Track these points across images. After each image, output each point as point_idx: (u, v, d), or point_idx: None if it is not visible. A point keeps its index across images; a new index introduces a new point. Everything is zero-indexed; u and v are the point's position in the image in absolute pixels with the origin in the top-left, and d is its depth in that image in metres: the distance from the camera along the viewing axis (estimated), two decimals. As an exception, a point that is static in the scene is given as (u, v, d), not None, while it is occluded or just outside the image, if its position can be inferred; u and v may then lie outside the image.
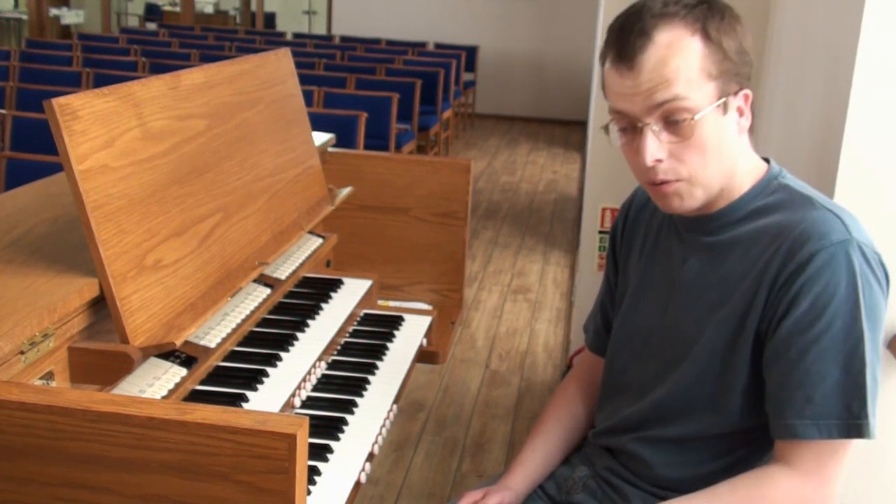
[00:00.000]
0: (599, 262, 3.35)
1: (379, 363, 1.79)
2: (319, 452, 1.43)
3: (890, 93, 1.65)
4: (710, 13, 1.30)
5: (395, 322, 1.99)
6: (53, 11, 11.54)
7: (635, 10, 1.31)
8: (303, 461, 1.00)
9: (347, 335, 1.90)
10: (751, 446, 1.38)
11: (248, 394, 1.47)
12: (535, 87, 10.72)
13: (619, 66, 1.30)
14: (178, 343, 1.32)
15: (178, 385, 1.37)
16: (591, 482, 1.53)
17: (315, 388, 1.66)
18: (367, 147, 5.00)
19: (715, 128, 1.30)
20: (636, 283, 1.53)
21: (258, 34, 10.28)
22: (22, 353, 1.16)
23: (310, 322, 1.77)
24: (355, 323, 1.96)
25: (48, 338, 1.20)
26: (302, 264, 1.86)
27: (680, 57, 1.27)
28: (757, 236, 1.34)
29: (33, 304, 1.21)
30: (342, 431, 1.52)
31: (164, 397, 1.33)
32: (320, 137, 2.21)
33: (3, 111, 4.47)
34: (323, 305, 1.86)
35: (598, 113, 3.30)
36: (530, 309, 4.57)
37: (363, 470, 1.43)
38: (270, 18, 12.45)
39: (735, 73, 1.31)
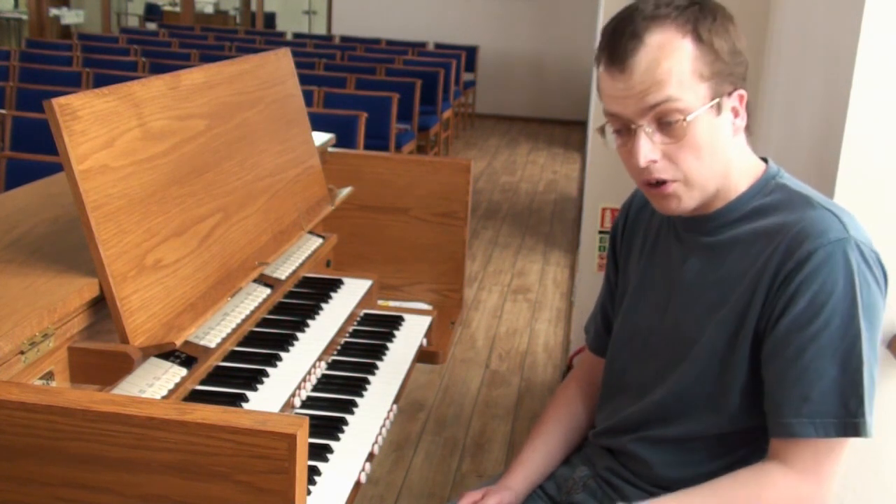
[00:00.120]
0: (599, 262, 3.35)
1: (379, 363, 1.79)
2: (319, 452, 1.43)
3: (890, 93, 1.65)
4: (701, 14, 1.30)
5: (395, 322, 1.99)
6: (53, 11, 11.54)
7: (627, 13, 1.31)
8: (303, 461, 1.00)
9: (347, 335, 1.90)
10: (751, 446, 1.38)
11: (248, 394, 1.47)
12: (535, 87, 10.73)
13: (611, 69, 1.31)
14: (178, 343, 1.32)
15: (178, 385, 1.37)
16: (592, 482, 1.53)
17: (315, 388, 1.66)
18: (367, 147, 5.00)
19: (708, 128, 1.30)
20: (636, 284, 1.53)
21: (258, 34, 10.28)
22: (22, 353, 1.16)
23: (310, 322, 1.77)
24: (355, 323, 1.96)
25: (48, 338, 1.20)
26: (302, 264, 1.86)
27: (671, 58, 1.27)
28: (755, 236, 1.35)
29: (33, 304, 1.21)
30: (342, 431, 1.52)
31: (164, 397, 1.33)
32: (320, 137, 2.21)
33: (3, 111, 4.48)
34: (323, 305, 1.86)
35: (597, 113, 3.30)
36: (530, 309, 4.57)
37: (363, 470, 1.43)
38: (270, 18, 12.45)
39: (728, 73, 1.31)
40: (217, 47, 8.55)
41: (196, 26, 10.78)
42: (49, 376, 1.23)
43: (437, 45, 9.79)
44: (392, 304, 2.18)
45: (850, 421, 1.26)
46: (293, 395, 1.55)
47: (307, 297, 1.90)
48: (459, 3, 10.70)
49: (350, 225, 2.21)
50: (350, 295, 1.95)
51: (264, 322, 1.73)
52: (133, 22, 13.28)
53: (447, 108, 7.80)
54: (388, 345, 1.88)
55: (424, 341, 1.98)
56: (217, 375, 1.52)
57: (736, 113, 1.34)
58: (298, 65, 2.21)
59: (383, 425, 1.57)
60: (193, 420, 0.99)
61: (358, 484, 1.40)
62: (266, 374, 1.54)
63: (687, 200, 1.35)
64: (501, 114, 10.74)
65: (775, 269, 1.30)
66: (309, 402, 1.61)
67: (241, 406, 1.43)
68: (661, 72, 1.27)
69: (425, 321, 2.03)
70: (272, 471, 0.99)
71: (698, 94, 1.29)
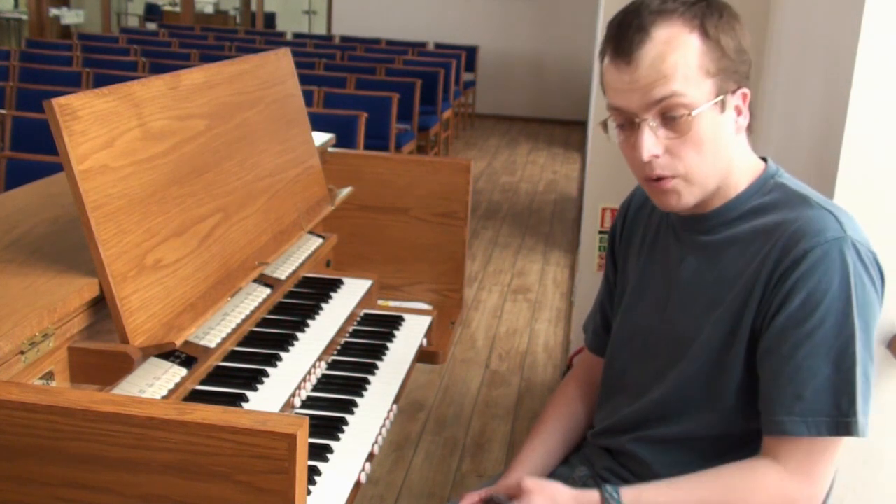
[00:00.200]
0: (599, 262, 3.35)
1: (379, 363, 1.79)
2: (319, 452, 1.43)
3: (890, 93, 1.65)
4: (708, 11, 1.30)
5: (395, 322, 1.99)
6: (53, 11, 11.53)
7: (634, 7, 1.31)
8: (303, 461, 1.00)
9: (347, 335, 1.90)
10: (750, 446, 1.38)
11: (248, 394, 1.47)
12: (535, 87, 10.72)
13: (616, 62, 1.31)
14: (178, 343, 1.32)
15: (178, 385, 1.37)
16: (591, 482, 1.53)
17: (315, 388, 1.66)
18: (367, 147, 5.00)
19: (712, 125, 1.30)
20: (635, 283, 1.53)
21: (258, 34, 10.28)
22: (22, 353, 1.16)
23: (310, 322, 1.77)
24: (355, 323, 1.96)
25: (48, 338, 1.20)
26: (302, 264, 1.86)
27: (678, 53, 1.27)
28: (753, 235, 1.35)
29: (33, 304, 1.21)
30: (342, 431, 1.52)
31: (164, 397, 1.33)
32: (320, 137, 2.21)
33: (3, 111, 4.48)
34: (323, 305, 1.86)
35: (597, 113, 3.31)
36: (530, 309, 4.57)
37: (363, 470, 1.43)
38: (270, 18, 12.45)
39: (733, 71, 1.31)
40: (217, 47, 8.55)
41: (196, 26, 10.78)
42: (49, 376, 1.23)
43: (437, 45, 9.79)
44: (392, 304, 2.18)
45: (842, 420, 1.25)
46: (293, 395, 1.55)
47: (307, 297, 1.90)
48: (459, 3, 10.69)
49: (350, 225, 2.21)
50: (350, 295, 1.95)
51: (264, 322, 1.73)
52: (133, 22, 13.28)
53: (447, 108, 7.80)
54: (388, 345, 1.88)
55: (424, 341, 1.98)
56: (217, 375, 1.52)
57: (739, 111, 1.34)
58: (298, 65, 2.21)
59: (383, 425, 1.57)
60: (193, 420, 0.99)
61: (358, 484, 1.40)
62: (266, 374, 1.54)
63: (687, 197, 1.35)
64: (501, 114, 10.73)
65: (772, 268, 1.30)
66: (309, 402, 1.61)
67: (241, 406, 1.43)
68: (666, 66, 1.27)
69: (425, 321, 2.03)
70: (272, 471, 0.99)
71: (703, 90, 1.29)
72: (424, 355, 2.00)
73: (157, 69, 6.23)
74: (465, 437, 3.24)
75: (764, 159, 1.43)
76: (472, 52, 9.94)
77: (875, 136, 1.67)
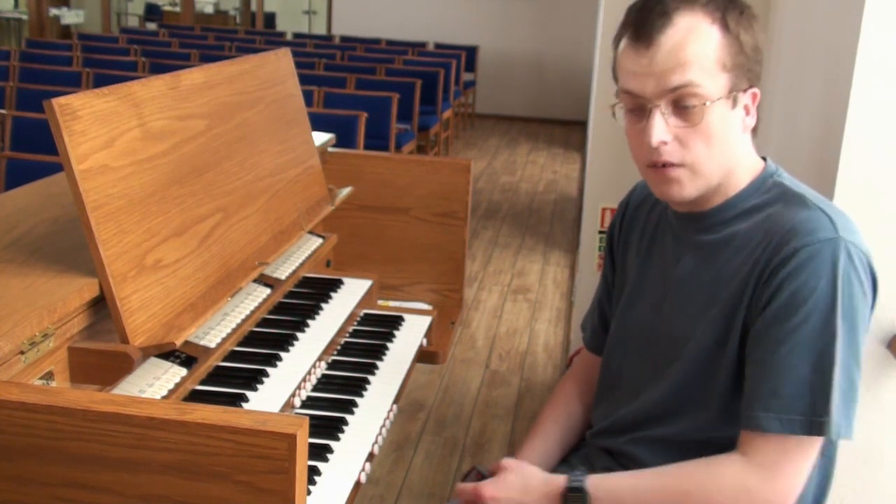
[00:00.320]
0: (599, 262, 3.35)
1: (379, 363, 1.79)
2: (319, 452, 1.43)
3: (890, 93, 1.65)
4: (730, 5, 1.31)
5: (395, 322, 1.99)
6: (53, 11, 11.53)
7: None
8: (303, 461, 1.00)
9: (347, 335, 1.90)
10: None
11: (248, 394, 1.47)
12: (535, 87, 10.72)
13: (636, 45, 1.31)
14: (178, 343, 1.32)
15: (178, 385, 1.37)
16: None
17: (315, 388, 1.66)
18: (367, 147, 5.00)
19: (722, 119, 1.31)
20: (632, 281, 1.54)
21: (258, 34, 10.28)
22: (22, 353, 1.16)
23: (310, 322, 1.77)
24: (355, 323, 1.96)
25: (48, 338, 1.20)
26: (302, 264, 1.86)
27: (698, 43, 1.28)
28: (749, 235, 1.35)
29: (33, 304, 1.21)
30: (342, 431, 1.52)
31: (164, 397, 1.33)
32: (320, 137, 2.21)
33: (3, 111, 4.48)
34: (323, 305, 1.86)
35: (598, 113, 3.31)
36: (530, 309, 4.57)
37: (363, 470, 1.43)
38: (270, 18, 12.45)
39: (748, 69, 1.32)
40: (217, 47, 8.55)
41: (196, 26, 10.78)
42: (49, 376, 1.23)
43: (437, 45, 9.78)
44: (392, 304, 2.18)
45: (815, 420, 1.25)
46: (293, 395, 1.55)
47: (307, 297, 1.90)
48: (459, 3, 10.69)
49: (350, 225, 2.21)
50: (350, 295, 1.95)
51: (264, 322, 1.73)
52: (133, 22, 13.28)
53: (447, 108, 7.80)
54: (388, 345, 1.88)
55: (424, 341, 1.98)
56: (217, 375, 1.52)
57: (747, 111, 1.35)
58: (298, 65, 2.21)
59: (383, 425, 1.57)
60: (193, 420, 0.99)
61: (358, 484, 1.40)
62: (266, 374, 1.54)
63: (689, 188, 1.35)
64: (501, 114, 10.73)
65: (763, 266, 1.30)
66: (309, 402, 1.61)
67: (241, 406, 1.43)
68: (686, 54, 1.28)
69: (425, 321, 2.03)
70: (272, 471, 0.99)
71: (718, 84, 1.30)
72: (424, 355, 2.00)
73: (157, 69, 6.23)
74: (465, 437, 3.24)
75: (764, 159, 1.43)
76: (472, 52, 9.94)
77: (875, 136, 1.67)
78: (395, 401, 1.68)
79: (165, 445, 1.00)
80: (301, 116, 2.05)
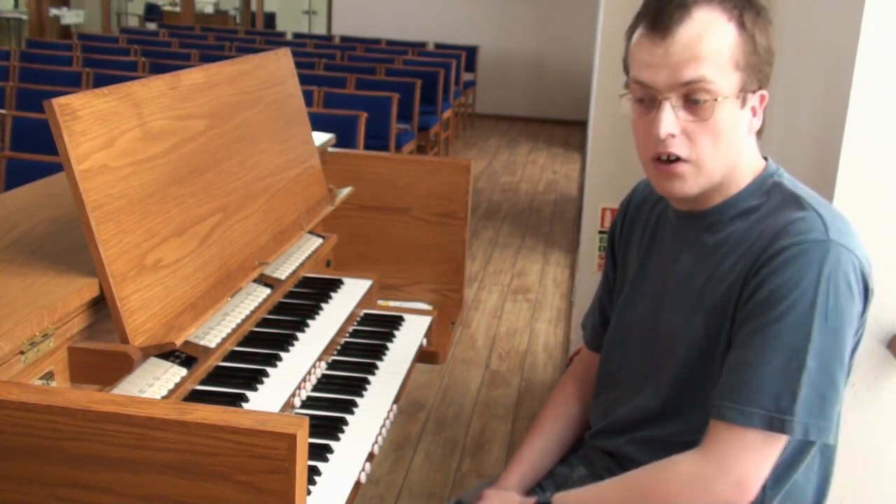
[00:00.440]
0: (599, 262, 3.35)
1: (379, 363, 1.79)
2: (319, 452, 1.43)
3: (890, 93, 1.65)
4: (748, 4, 1.32)
5: (395, 322, 1.99)
6: (53, 11, 11.53)
7: None
8: (303, 461, 1.00)
9: (347, 335, 1.90)
10: None
11: (248, 394, 1.47)
12: (535, 87, 10.72)
13: (652, 35, 1.31)
14: (178, 343, 1.32)
15: (178, 385, 1.37)
16: (589, 482, 1.53)
17: (315, 388, 1.66)
18: (367, 147, 5.00)
19: (731, 117, 1.31)
20: (632, 280, 1.54)
21: (258, 34, 10.28)
22: (22, 353, 1.16)
23: (310, 322, 1.77)
24: (355, 323, 1.96)
25: (48, 338, 1.20)
26: (302, 264, 1.86)
27: (714, 38, 1.29)
28: (744, 236, 1.35)
29: (33, 304, 1.21)
30: (342, 431, 1.52)
31: (164, 397, 1.33)
32: (320, 137, 2.21)
33: (3, 111, 4.47)
34: (323, 305, 1.86)
35: (598, 113, 3.31)
36: (530, 309, 4.57)
37: (363, 470, 1.43)
38: (270, 18, 12.45)
39: (759, 69, 1.33)
40: (217, 47, 8.55)
41: (196, 26, 10.78)
42: (49, 376, 1.23)
43: (437, 45, 9.78)
44: (392, 304, 2.18)
45: (777, 417, 1.24)
46: (293, 395, 1.55)
47: (307, 297, 1.90)
48: (459, 3, 10.69)
49: (350, 225, 2.21)
50: (350, 295, 1.95)
51: (264, 322, 1.73)
52: (133, 22, 13.28)
53: (447, 108, 7.80)
54: (388, 345, 1.88)
55: (424, 341, 1.98)
56: (217, 375, 1.52)
57: (754, 112, 1.35)
58: (298, 65, 2.21)
59: (383, 425, 1.57)
60: (193, 420, 0.99)
61: (358, 484, 1.40)
62: (266, 374, 1.54)
63: (692, 184, 1.35)
64: (501, 114, 10.73)
65: (752, 264, 1.30)
66: (309, 402, 1.61)
67: (241, 406, 1.43)
68: (701, 49, 1.28)
69: (425, 321, 2.03)
70: (272, 471, 0.99)
71: (730, 81, 1.30)
72: (424, 355, 2.00)
73: (157, 69, 6.23)
74: (465, 437, 3.24)
75: (765, 159, 1.43)
76: (472, 52, 9.94)
77: (875, 136, 1.67)
78: (395, 401, 1.68)
79: (165, 445, 1.00)
80: (301, 116, 2.05)
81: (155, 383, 1.34)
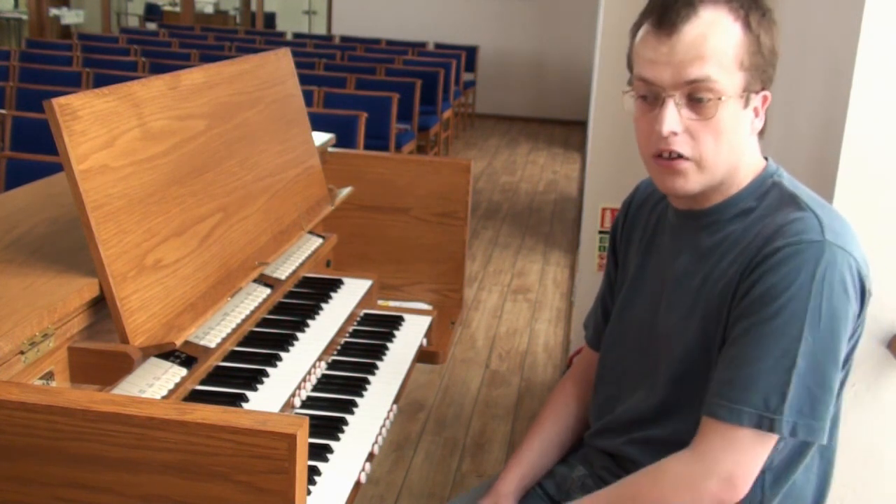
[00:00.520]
0: (599, 262, 3.35)
1: (379, 363, 1.79)
2: (319, 452, 1.43)
3: (890, 93, 1.65)
4: (754, 5, 1.32)
5: (395, 322, 1.99)
6: (53, 11, 11.53)
7: None
8: (303, 461, 1.00)
9: (347, 335, 1.90)
10: None
11: (248, 394, 1.47)
12: (535, 87, 10.72)
13: (657, 32, 1.31)
14: (178, 343, 1.32)
15: (178, 385, 1.37)
16: (589, 482, 1.53)
17: (315, 388, 1.66)
18: (367, 147, 5.00)
19: (733, 117, 1.32)
20: (632, 279, 1.54)
21: (258, 34, 10.28)
22: (22, 353, 1.16)
23: (310, 322, 1.77)
24: (355, 323, 1.96)
25: (48, 338, 1.20)
26: (302, 264, 1.86)
27: (719, 38, 1.29)
28: (743, 235, 1.36)
29: (33, 304, 1.21)
30: (342, 431, 1.52)
31: (164, 397, 1.33)
32: (320, 137, 2.21)
33: (3, 111, 4.47)
34: (323, 305, 1.86)
35: (598, 113, 3.31)
36: (530, 309, 4.57)
37: (363, 470, 1.43)
38: (270, 18, 12.45)
39: (763, 70, 1.33)
40: (217, 47, 8.55)
41: (196, 26, 10.78)
42: (49, 376, 1.23)
43: (437, 45, 9.78)
44: (392, 304, 2.18)
45: (766, 415, 1.24)
46: (293, 395, 1.55)
47: (307, 297, 1.90)
48: (459, 3, 10.69)
49: (350, 225, 2.21)
50: (350, 295, 1.95)
51: (264, 322, 1.73)
52: (133, 22, 13.28)
53: (447, 108, 7.80)
54: (388, 345, 1.88)
55: (424, 341, 1.98)
56: (217, 375, 1.52)
57: (756, 113, 1.36)
58: (298, 65, 2.21)
59: (383, 425, 1.57)
60: (193, 420, 0.99)
61: (358, 484, 1.40)
62: (266, 374, 1.54)
63: (693, 182, 1.35)
64: (501, 114, 10.73)
65: (747, 264, 1.31)
66: (309, 402, 1.61)
67: (241, 406, 1.43)
68: (706, 48, 1.29)
69: (425, 321, 2.03)
70: (272, 471, 0.99)
71: (733, 81, 1.30)
72: (424, 355, 2.00)
73: (157, 69, 6.23)
74: (465, 437, 3.24)
75: (765, 159, 1.43)
76: (472, 52, 9.94)
77: (875, 136, 1.67)
78: (395, 401, 1.68)
79: (165, 445, 1.00)
80: (301, 116, 2.05)
81: (155, 383, 1.34)
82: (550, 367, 3.86)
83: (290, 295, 1.88)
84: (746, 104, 1.33)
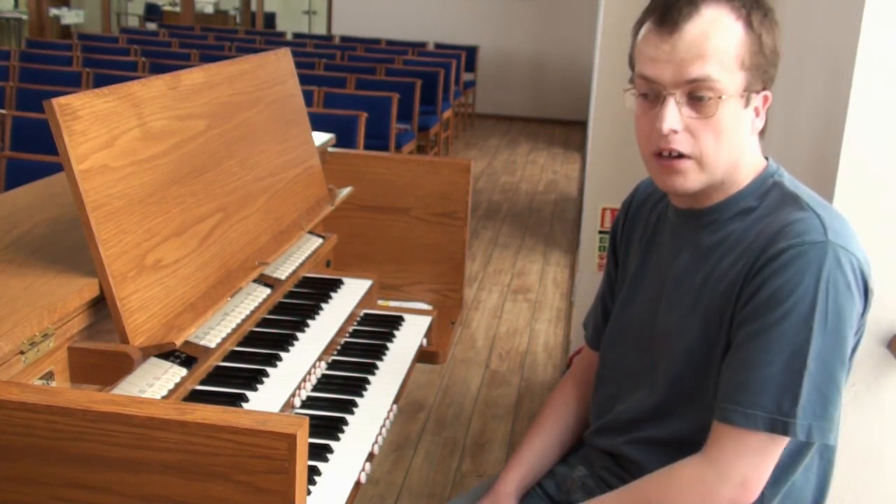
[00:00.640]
0: (599, 262, 3.35)
1: (379, 363, 1.79)
2: (319, 452, 1.43)
3: (890, 93, 1.65)
4: (756, 4, 1.33)
5: (395, 322, 1.99)
6: (53, 11, 11.53)
7: None
8: (303, 461, 1.00)
9: (347, 335, 1.90)
10: None
11: (248, 394, 1.47)
12: (535, 87, 10.72)
13: (659, 30, 1.32)
14: (178, 343, 1.32)
15: (178, 385, 1.37)
16: (590, 482, 1.53)
17: (315, 388, 1.66)
18: (367, 147, 5.00)
19: (734, 116, 1.32)
20: (632, 279, 1.54)
21: (258, 34, 10.28)
22: (22, 353, 1.16)
23: (310, 322, 1.77)
24: (355, 323, 1.96)
25: (48, 338, 1.20)
26: (302, 264, 1.86)
27: (721, 36, 1.29)
28: (743, 235, 1.35)
29: (33, 304, 1.21)
30: (342, 431, 1.52)
31: (164, 397, 1.33)
32: (320, 137, 2.21)
33: (3, 111, 4.47)
34: (323, 305, 1.86)
35: (598, 113, 3.31)
36: (530, 309, 4.57)
37: (363, 470, 1.43)
38: (270, 18, 12.45)
39: (764, 70, 1.33)
40: (217, 47, 8.55)
41: (196, 26, 10.78)
42: (49, 376, 1.23)
43: (437, 45, 9.78)
44: (392, 304, 2.18)
45: (779, 419, 1.24)
46: (293, 395, 1.55)
47: (307, 297, 1.90)
48: (459, 3, 10.69)
49: (350, 225, 2.21)
50: (350, 295, 1.95)
51: (264, 322, 1.73)
52: (133, 22, 13.28)
53: (447, 108, 7.80)
54: (388, 345, 1.88)
55: (424, 341, 1.98)
56: (217, 375, 1.52)
57: (757, 113, 1.36)
58: (298, 65, 2.21)
59: (383, 425, 1.57)
60: (193, 420, 0.99)
61: (358, 484, 1.40)
62: (266, 374, 1.54)
63: (693, 181, 1.35)
64: (501, 114, 10.73)
65: (750, 265, 1.30)
66: (309, 402, 1.61)
67: (241, 406, 1.43)
68: (708, 46, 1.29)
69: (425, 321, 2.03)
70: (272, 471, 0.99)
71: (734, 81, 1.31)
72: (424, 355, 2.00)
73: (157, 69, 6.23)
74: (465, 437, 3.24)
75: (766, 158, 1.43)
76: (472, 52, 9.94)
77: (875, 136, 1.67)
78: (395, 401, 1.68)
79: (165, 445, 1.00)
80: (301, 116, 2.05)
81: (155, 383, 1.34)
82: (550, 367, 3.86)
83: (290, 295, 1.88)
84: (747, 104, 1.33)
